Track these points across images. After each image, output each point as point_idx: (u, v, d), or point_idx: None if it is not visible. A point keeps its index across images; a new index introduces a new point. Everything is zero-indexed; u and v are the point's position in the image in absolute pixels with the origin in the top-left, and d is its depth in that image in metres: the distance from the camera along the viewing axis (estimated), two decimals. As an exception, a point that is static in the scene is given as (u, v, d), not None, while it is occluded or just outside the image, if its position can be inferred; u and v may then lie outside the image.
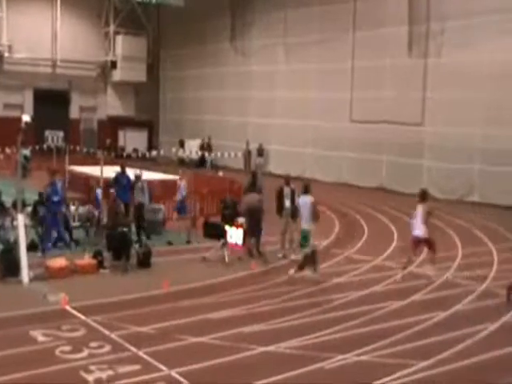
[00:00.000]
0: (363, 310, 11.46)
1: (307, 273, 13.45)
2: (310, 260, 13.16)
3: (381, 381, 8.33)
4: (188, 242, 16.97)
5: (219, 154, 37.17)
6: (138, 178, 17.70)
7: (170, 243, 16.73)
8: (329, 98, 32.42)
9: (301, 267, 13.33)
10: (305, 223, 13.28)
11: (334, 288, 13.01)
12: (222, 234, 15.18)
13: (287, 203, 15.56)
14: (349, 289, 12.89)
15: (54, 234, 15.52)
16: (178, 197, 17.76)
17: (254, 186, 16.36)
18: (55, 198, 15.11)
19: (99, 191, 17.47)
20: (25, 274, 12.61)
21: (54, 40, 43.10)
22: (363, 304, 11.84)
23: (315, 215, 13.11)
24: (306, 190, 13.52)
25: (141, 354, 9.05)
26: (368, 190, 29.35)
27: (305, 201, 13.35)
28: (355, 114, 31.30)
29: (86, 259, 13.93)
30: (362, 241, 17.97)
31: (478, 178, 26.11)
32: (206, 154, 38.57)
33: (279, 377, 8.40)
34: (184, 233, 17.17)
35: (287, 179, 16.04)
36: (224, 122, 39.77)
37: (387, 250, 16.74)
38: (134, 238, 15.79)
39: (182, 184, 17.93)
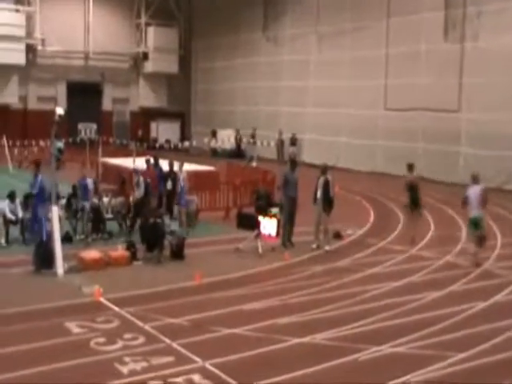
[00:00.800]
0: (399, 300, 11.26)
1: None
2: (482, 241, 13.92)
3: (416, 373, 8.17)
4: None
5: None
6: (136, 171, 17.37)
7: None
8: (363, 86, 32.00)
9: (475, 254, 13.89)
10: (473, 210, 13.84)
11: (368, 278, 12.83)
12: (255, 225, 15.10)
13: (319, 193, 15.26)
14: (384, 279, 12.70)
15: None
16: (178, 189, 17.58)
17: (293, 172, 16.12)
18: (33, 191, 14.86)
19: (89, 181, 16.65)
20: (59, 266, 12.71)
21: (86, 32, 43.51)
22: (399, 295, 11.65)
23: (484, 203, 13.86)
24: (476, 180, 14.04)
25: (175, 345, 9.03)
26: (403, 178, 28.87)
27: (475, 190, 13.88)
28: (390, 102, 30.86)
29: (120, 251, 13.99)
30: (397, 230, 17.71)
31: (517, 165, 25.52)
32: (249, 145, 38.23)
33: (314, 368, 8.31)
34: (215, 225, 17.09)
35: (323, 169, 15.61)
36: (256, 111, 39.66)
37: (423, 239, 16.45)
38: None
39: (182, 176, 17.66)
